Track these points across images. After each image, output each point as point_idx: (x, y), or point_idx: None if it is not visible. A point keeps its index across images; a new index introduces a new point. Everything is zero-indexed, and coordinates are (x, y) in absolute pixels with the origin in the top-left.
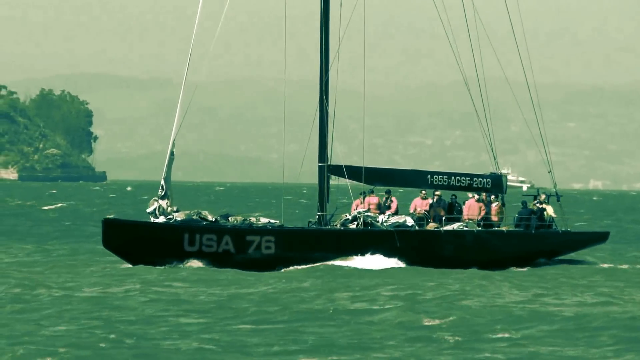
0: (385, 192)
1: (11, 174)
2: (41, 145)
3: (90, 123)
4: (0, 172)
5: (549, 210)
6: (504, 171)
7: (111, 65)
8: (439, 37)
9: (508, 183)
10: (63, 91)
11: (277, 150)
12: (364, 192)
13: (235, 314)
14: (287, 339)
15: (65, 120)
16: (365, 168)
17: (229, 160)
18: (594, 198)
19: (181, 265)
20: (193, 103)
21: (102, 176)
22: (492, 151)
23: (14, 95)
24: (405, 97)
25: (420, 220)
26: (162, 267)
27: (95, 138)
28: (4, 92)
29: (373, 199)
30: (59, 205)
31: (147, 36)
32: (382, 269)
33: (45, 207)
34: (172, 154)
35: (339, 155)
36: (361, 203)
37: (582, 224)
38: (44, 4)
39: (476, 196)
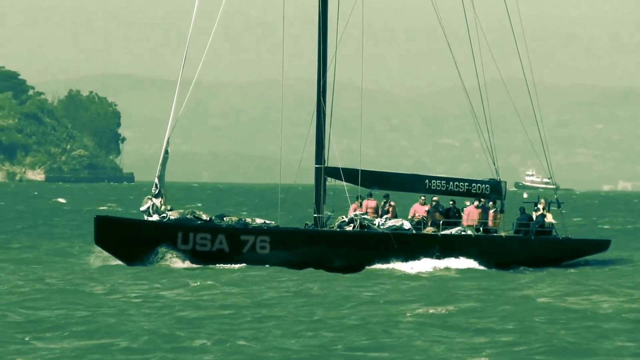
0: (384, 197)
1: (38, 175)
2: (69, 147)
3: (118, 124)
4: (27, 173)
5: (549, 217)
6: (528, 172)
7: (139, 66)
8: (463, 40)
9: (533, 184)
10: (91, 92)
11: (306, 150)
12: (361, 196)
13: (266, 315)
14: (325, 340)
15: (93, 121)
16: (361, 171)
17: (259, 161)
18: (635, 200)
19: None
20: (223, 104)
21: (130, 177)
22: (492, 157)
23: (42, 96)
24: (433, 99)
25: (418, 224)
26: (198, 268)
27: (123, 139)
28: (32, 92)
29: (371, 203)
30: (103, 208)
31: (175, 37)
32: (391, 273)
33: (95, 208)
34: (166, 152)
35: (335, 157)
36: (358, 207)
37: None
38: (72, 6)
39: (476, 202)
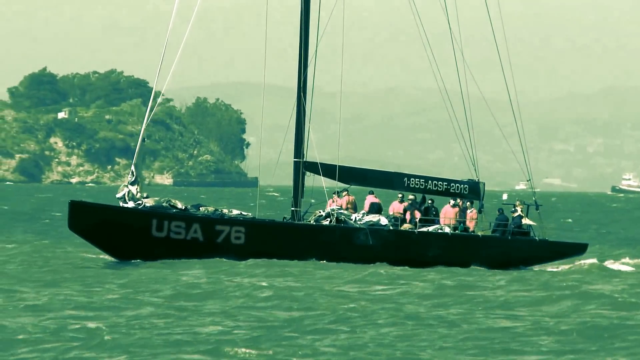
0: (343, 190)
1: (166, 180)
2: (195, 152)
3: (243, 130)
4: (155, 177)
5: (526, 219)
6: (625, 176)
7: (261, 74)
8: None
9: (629, 188)
10: (217, 99)
11: (422, 157)
12: (338, 191)
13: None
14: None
15: (219, 127)
16: (339, 166)
17: (378, 166)
18: None
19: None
20: (345, 111)
21: (254, 182)
22: (472, 158)
23: (170, 104)
24: (549, 105)
25: (396, 221)
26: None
27: (248, 145)
28: (160, 100)
29: (351, 198)
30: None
31: (296, 46)
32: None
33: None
34: (143, 140)
35: (314, 152)
36: (333, 202)
37: None
38: (197, 16)
39: (452, 202)
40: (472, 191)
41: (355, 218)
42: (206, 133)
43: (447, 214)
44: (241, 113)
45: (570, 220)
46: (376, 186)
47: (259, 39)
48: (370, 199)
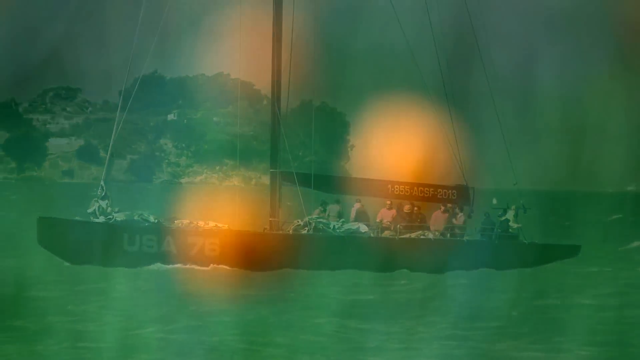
0: (335, 201)
1: None
2: (301, 153)
3: (347, 132)
4: (261, 178)
5: (512, 222)
6: None
7: (364, 77)
8: None
9: None
10: (322, 102)
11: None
12: (324, 201)
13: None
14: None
15: (324, 130)
16: (314, 175)
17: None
18: None
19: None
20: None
21: None
22: (460, 163)
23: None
24: None
25: (384, 230)
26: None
27: (352, 147)
28: (266, 102)
29: (335, 208)
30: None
31: (393, 50)
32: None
33: None
34: (112, 155)
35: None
36: (321, 212)
37: None
38: (302, 24)
39: (442, 207)
40: (460, 196)
41: (334, 226)
42: (311, 135)
43: (437, 220)
44: (344, 115)
45: None
46: (360, 194)
47: (365, 41)
48: (356, 207)
